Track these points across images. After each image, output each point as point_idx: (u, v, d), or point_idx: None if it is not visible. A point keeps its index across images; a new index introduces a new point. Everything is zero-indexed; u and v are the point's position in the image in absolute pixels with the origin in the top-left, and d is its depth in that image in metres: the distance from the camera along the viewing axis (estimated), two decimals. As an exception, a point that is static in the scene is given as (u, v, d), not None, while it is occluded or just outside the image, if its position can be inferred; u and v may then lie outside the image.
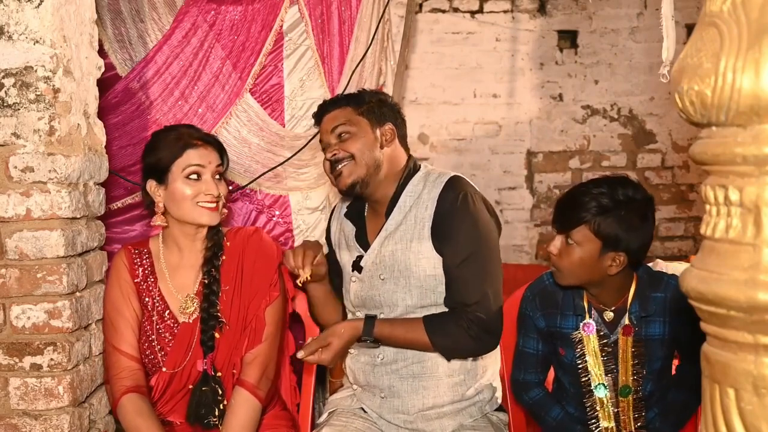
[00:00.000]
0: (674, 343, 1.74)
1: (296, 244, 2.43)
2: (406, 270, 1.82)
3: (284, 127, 2.56)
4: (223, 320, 1.87)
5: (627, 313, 1.72)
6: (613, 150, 4.31)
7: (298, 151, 2.52)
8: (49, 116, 1.68)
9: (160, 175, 1.85)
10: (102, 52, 2.23)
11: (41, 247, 1.69)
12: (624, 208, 1.62)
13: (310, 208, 2.62)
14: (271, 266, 1.93)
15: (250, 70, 2.49)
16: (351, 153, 1.84)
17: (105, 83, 2.17)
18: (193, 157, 1.84)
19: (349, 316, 1.97)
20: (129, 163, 2.30)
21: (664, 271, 1.81)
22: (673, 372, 1.83)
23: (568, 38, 4.28)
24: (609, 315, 1.74)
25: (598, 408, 1.75)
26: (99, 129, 1.92)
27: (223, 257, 1.92)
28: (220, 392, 1.85)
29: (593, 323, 1.74)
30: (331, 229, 2.07)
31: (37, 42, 1.67)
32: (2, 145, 1.69)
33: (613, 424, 1.75)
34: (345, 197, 1.99)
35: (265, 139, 2.53)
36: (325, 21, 2.53)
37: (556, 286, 1.79)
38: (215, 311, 1.86)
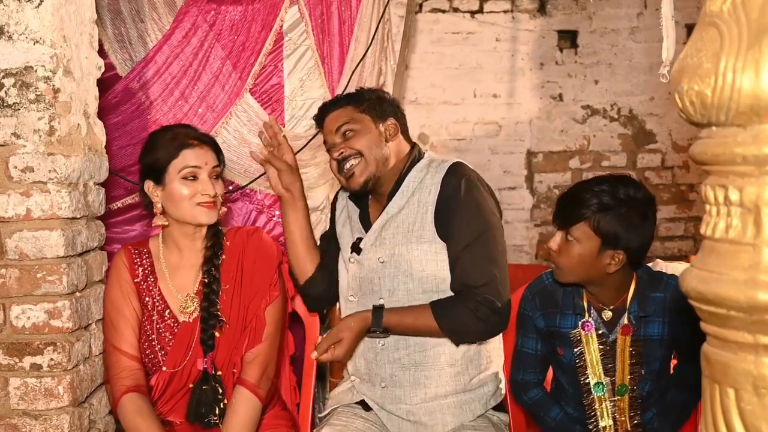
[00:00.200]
0: (673, 343, 1.74)
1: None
2: (407, 254, 1.82)
3: (284, 127, 2.56)
4: (223, 319, 1.87)
5: (626, 313, 1.72)
6: (613, 150, 4.31)
7: (298, 151, 2.52)
8: (49, 116, 1.68)
9: (158, 175, 1.86)
10: (102, 52, 2.23)
11: (41, 247, 1.69)
12: (624, 207, 1.63)
13: (310, 208, 2.62)
14: (271, 266, 1.93)
15: (250, 70, 2.49)
16: (358, 150, 1.85)
17: (105, 83, 2.17)
18: (189, 158, 1.84)
19: (344, 303, 1.95)
20: (129, 163, 2.30)
21: (664, 271, 1.81)
22: (672, 372, 1.83)
23: (568, 38, 4.28)
24: (608, 314, 1.74)
25: (596, 407, 1.76)
26: (99, 129, 1.92)
27: (223, 257, 1.92)
28: (221, 391, 1.85)
29: (592, 322, 1.74)
30: (337, 207, 2.08)
31: (37, 42, 1.67)
32: (2, 145, 1.69)
33: (611, 422, 1.75)
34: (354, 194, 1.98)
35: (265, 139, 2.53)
36: (325, 21, 2.53)
37: (556, 285, 1.79)
38: (215, 310, 1.86)
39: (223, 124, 2.49)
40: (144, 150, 1.93)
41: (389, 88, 2.74)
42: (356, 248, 1.90)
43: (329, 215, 2.17)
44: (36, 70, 1.67)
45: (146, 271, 1.92)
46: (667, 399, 1.77)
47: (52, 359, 1.71)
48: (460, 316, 1.75)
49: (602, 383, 1.74)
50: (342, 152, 1.87)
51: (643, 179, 4.23)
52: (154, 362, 1.87)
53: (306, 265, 2.00)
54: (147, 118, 2.44)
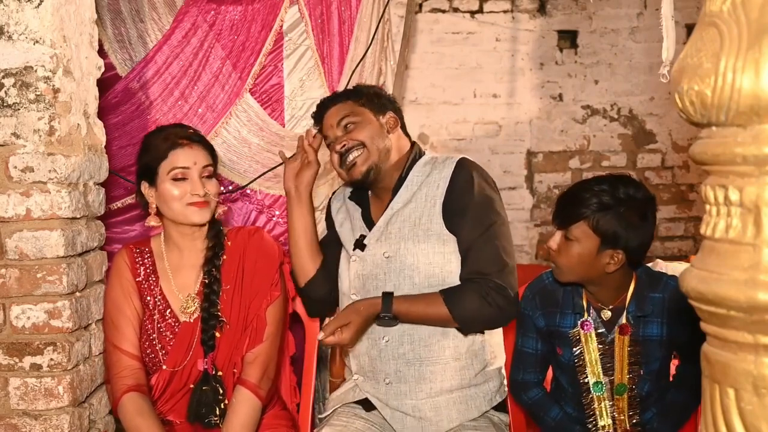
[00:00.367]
0: (672, 344, 1.74)
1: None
2: (414, 248, 1.82)
3: (284, 127, 2.56)
4: (224, 319, 1.87)
5: (624, 313, 1.72)
6: (613, 150, 4.31)
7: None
8: (49, 116, 1.68)
9: (150, 177, 1.86)
10: (102, 52, 2.23)
11: (41, 247, 1.69)
12: (624, 206, 1.63)
13: (310, 208, 2.61)
14: (272, 266, 1.93)
15: (250, 70, 2.49)
16: (361, 141, 1.86)
17: (105, 83, 2.17)
18: (177, 159, 1.83)
19: (345, 301, 1.95)
20: (129, 163, 2.31)
21: (664, 271, 1.81)
22: (673, 372, 1.83)
23: (568, 38, 4.28)
24: (607, 314, 1.74)
25: (595, 406, 1.76)
26: (99, 129, 1.92)
27: (224, 257, 1.92)
28: (221, 392, 1.85)
29: (591, 321, 1.74)
30: (332, 207, 2.07)
31: (37, 42, 1.67)
32: (2, 145, 1.69)
33: (610, 422, 1.75)
34: (352, 185, 1.98)
35: (265, 139, 2.53)
36: (325, 21, 2.53)
37: (556, 285, 1.79)
38: (216, 311, 1.86)
39: (223, 124, 2.49)
40: (139, 151, 1.94)
41: (389, 88, 2.74)
42: (360, 245, 1.89)
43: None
44: (36, 70, 1.67)
45: (148, 271, 1.92)
46: (667, 399, 1.77)
47: (52, 359, 1.71)
48: (471, 303, 1.75)
49: (601, 383, 1.74)
50: (345, 144, 1.86)
51: (643, 179, 4.23)
52: (155, 361, 1.87)
53: (308, 264, 1.99)
54: (147, 118, 2.44)
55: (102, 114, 2.02)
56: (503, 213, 1.86)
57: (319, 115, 1.96)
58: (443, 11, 4.20)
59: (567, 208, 1.69)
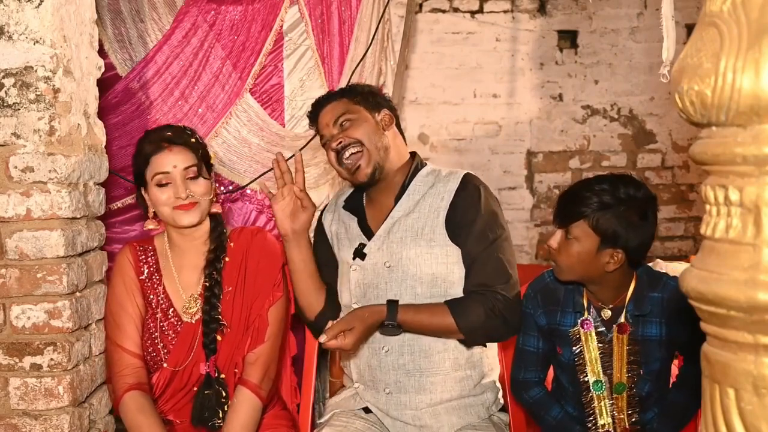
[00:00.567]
0: (672, 344, 1.74)
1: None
2: (417, 258, 1.81)
3: (284, 127, 2.57)
4: (224, 323, 1.87)
5: (624, 312, 1.72)
6: (613, 150, 4.31)
7: (299, 151, 2.52)
8: (49, 116, 1.68)
9: (143, 182, 1.86)
10: (102, 52, 2.23)
11: (41, 247, 1.69)
12: (624, 206, 1.63)
13: (310, 208, 2.61)
14: (275, 266, 1.93)
15: (250, 70, 2.49)
16: (357, 139, 1.84)
17: (105, 83, 2.17)
18: (158, 164, 1.82)
19: (345, 311, 1.94)
20: (129, 163, 2.29)
21: (664, 271, 1.81)
22: (676, 373, 1.83)
23: (568, 38, 4.28)
24: (607, 313, 1.74)
25: (594, 405, 1.76)
26: (99, 129, 1.92)
27: (227, 259, 1.91)
28: (224, 394, 1.85)
29: (591, 320, 1.74)
30: (324, 221, 2.03)
31: (37, 42, 1.67)
32: (2, 145, 1.69)
33: (609, 420, 1.75)
34: (357, 188, 1.96)
35: (265, 139, 2.53)
36: (325, 21, 2.53)
37: (558, 283, 1.79)
38: (216, 314, 1.86)
39: (223, 124, 2.49)
40: (132, 156, 1.94)
41: (389, 88, 2.74)
42: (360, 253, 1.88)
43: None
44: (36, 70, 1.67)
45: (151, 269, 1.92)
46: (668, 400, 1.77)
47: (52, 359, 1.71)
48: (477, 314, 1.75)
49: (601, 381, 1.74)
50: (341, 141, 1.85)
51: (643, 179, 4.23)
52: (156, 360, 1.87)
53: (315, 300, 1.94)
54: (147, 118, 2.44)
55: (102, 114, 2.02)
56: (506, 227, 1.87)
57: (314, 114, 1.95)
58: (443, 11, 4.20)
59: (567, 206, 1.69)
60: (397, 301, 1.78)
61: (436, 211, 1.83)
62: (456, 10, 4.21)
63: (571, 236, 1.67)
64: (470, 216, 1.81)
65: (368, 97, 1.92)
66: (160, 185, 1.82)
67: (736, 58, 0.75)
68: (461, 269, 1.82)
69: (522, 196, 4.30)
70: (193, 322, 1.88)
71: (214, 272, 1.88)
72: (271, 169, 2.52)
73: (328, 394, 2.56)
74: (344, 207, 1.98)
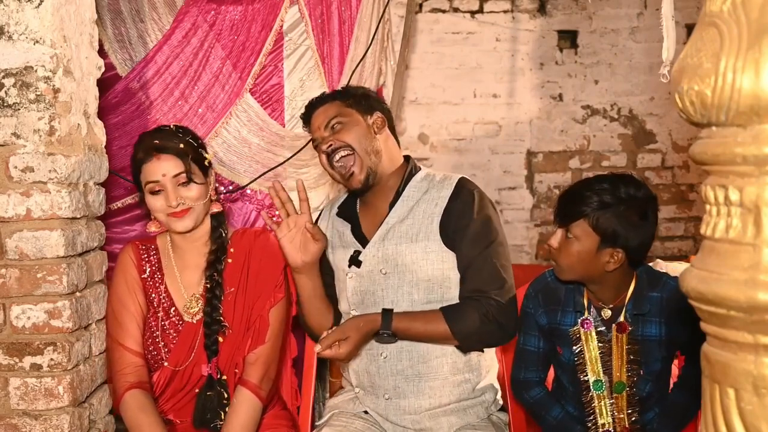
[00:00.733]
0: (672, 344, 1.74)
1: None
2: (412, 264, 1.81)
3: (284, 127, 2.57)
4: (226, 324, 1.87)
5: (623, 311, 1.72)
6: (613, 150, 4.31)
7: (298, 151, 2.53)
8: (49, 116, 1.68)
9: (140, 187, 1.86)
10: (102, 52, 2.23)
11: (41, 247, 1.69)
12: (624, 205, 1.63)
13: (310, 209, 2.62)
14: (277, 267, 1.92)
15: (250, 70, 2.49)
16: (347, 143, 1.84)
17: (105, 83, 2.17)
18: (148, 173, 1.81)
19: (345, 318, 1.93)
20: (129, 163, 2.30)
21: (664, 271, 1.81)
22: (678, 373, 1.83)
23: (568, 38, 4.28)
24: (607, 313, 1.75)
25: (594, 404, 1.76)
26: (99, 129, 1.92)
27: (229, 260, 1.91)
28: (226, 396, 1.85)
29: (592, 320, 1.74)
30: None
31: (37, 42, 1.67)
32: (2, 145, 1.69)
33: (609, 420, 1.75)
34: (351, 194, 1.97)
35: (265, 139, 2.53)
36: (325, 21, 2.53)
37: (558, 283, 1.79)
38: (218, 315, 1.86)
39: (223, 124, 2.49)
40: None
41: (389, 88, 2.75)
42: (355, 261, 1.87)
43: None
44: (36, 70, 1.67)
45: (153, 268, 1.92)
46: (669, 400, 1.77)
47: (52, 359, 1.71)
48: (472, 320, 1.76)
49: (601, 381, 1.74)
50: (331, 144, 1.85)
51: (643, 179, 4.23)
52: (157, 359, 1.87)
53: (326, 317, 1.94)
54: (147, 118, 2.44)
55: (102, 114, 2.02)
56: (501, 232, 1.86)
57: (307, 116, 1.95)
58: (443, 11, 4.20)
59: (568, 206, 1.69)
60: (392, 310, 1.78)
61: (431, 217, 1.83)
62: (456, 10, 4.21)
63: (571, 235, 1.67)
64: (464, 221, 1.81)
65: (361, 100, 1.91)
66: (153, 193, 1.82)
67: (736, 58, 0.75)
68: (457, 274, 1.82)
69: (522, 196, 4.31)
70: (194, 321, 1.88)
71: (215, 273, 1.88)
72: (272, 169, 2.53)
73: (328, 394, 2.56)
74: (338, 214, 1.98)
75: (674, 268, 1.89)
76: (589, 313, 1.75)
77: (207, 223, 1.92)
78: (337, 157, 1.85)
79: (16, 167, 1.68)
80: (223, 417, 1.83)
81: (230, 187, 2.55)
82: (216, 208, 1.92)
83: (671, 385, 1.82)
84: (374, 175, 1.85)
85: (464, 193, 1.84)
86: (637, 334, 1.72)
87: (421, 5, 4.15)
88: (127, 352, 1.84)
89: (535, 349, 1.86)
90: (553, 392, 1.90)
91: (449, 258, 1.81)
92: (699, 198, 3.93)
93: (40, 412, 1.72)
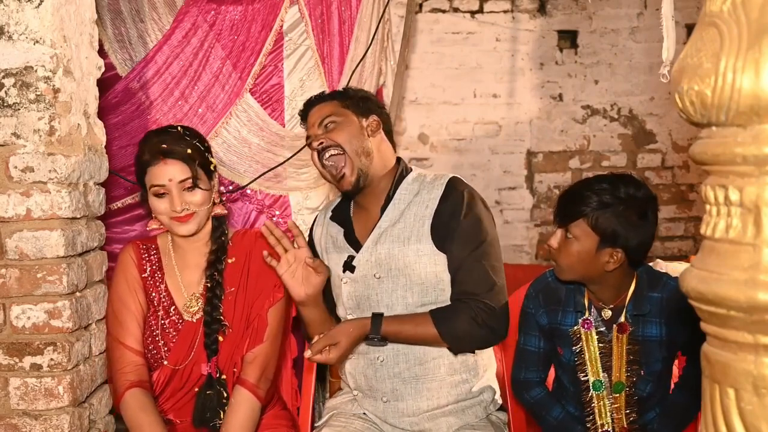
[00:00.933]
0: (672, 344, 1.74)
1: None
2: (405, 268, 1.81)
3: (284, 127, 2.57)
4: (226, 324, 1.87)
5: (624, 311, 1.72)
6: (613, 150, 4.31)
7: (298, 151, 2.53)
8: (49, 116, 1.68)
9: (144, 187, 1.86)
10: (102, 52, 2.23)
11: (41, 247, 1.69)
12: (623, 205, 1.63)
13: (310, 208, 2.62)
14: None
15: (250, 70, 2.49)
16: (338, 142, 1.83)
17: (105, 83, 2.17)
18: (153, 176, 1.81)
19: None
20: (129, 163, 2.31)
21: (664, 271, 1.81)
22: (679, 373, 1.83)
23: (568, 38, 4.28)
24: (607, 313, 1.75)
25: (594, 404, 1.76)
26: (99, 129, 1.92)
27: (230, 260, 1.92)
28: (225, 395, 1.85)
29: (592, 320, 1.74)
30: (315, 235, 2.03)
31: (37, 42, 1.67)
32: (2, 145, 1.69)
33: (609, 420, 1.75)
34: (344, 197, 1.97)
35: (265, 139, 2.53)
36: (325, 21, 2.53)
37: (559, 283, 1.79)
38: (218, 314, 1.86)
39: (223, 124, 2.49)
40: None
41: (389, 88, 2.75)
42: (349, 266, 1.87)
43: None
44: (36, 70, 1.67)
45: (154, 267, 1.92)
46: (669, 400, 1.77)
47: (52, 359, 1.71)
48: (461, 324, 1.76)
49: (601, 381, 1.74)
50: (322, 142, 1.85)
51: (643, 179, 4.23)
52: (156, 358, 1.87)
53: (329, 328, 1.91)
54: (147, 118, 2.44)
55: (102, 114, 2.02)
56: (492, 231, 1.84)
57: (304, 113, 1.95)
58: (443, 11, 4.20)
59: (567, 206, 1.69)
60: (382, 314, 1.79)
61: (422, 219, 1.83)
62: (456, 10, 4.21)
63: (570, 235, 1.67)
64: (453, 223, 1.80)
65: (359, 102, 1.91)
66: (157, 195, 1.82)
67: (736, 58, 0.75)
68: (450, 277, 1.82)
69: (522, 196, 4.30)
70: (194, 321, 1.88)
71: (215, 273, 1.89)
72: (272, 169, 2.53)
73: (328, 395, 2.56)
74: (331, 218, 1.98)
75: (674, 268, 1.89)
76: (590, 314, 1.75)
77: (209, 224, 1.93)
78: (327, 155, 1.85)
79: (16, 167, 1.68)
80: (222, 416, 1.83)
81: (230, 187, 2.55)
82: (220, 211, 1.92)
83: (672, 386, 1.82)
84: (365, 177, 1.85)
85: (454, 194, 1.83)
86: (637, 334, 1.72)
87: (421, 5, 4.15)
88: (128, 350, 1.84)
89: (535, 349, 1.86)
90: (554, 392, 1.90)
91: (442, 260, 1.81)
92: (699, 198, 3.94)
93: (40, 412, 1.72)
